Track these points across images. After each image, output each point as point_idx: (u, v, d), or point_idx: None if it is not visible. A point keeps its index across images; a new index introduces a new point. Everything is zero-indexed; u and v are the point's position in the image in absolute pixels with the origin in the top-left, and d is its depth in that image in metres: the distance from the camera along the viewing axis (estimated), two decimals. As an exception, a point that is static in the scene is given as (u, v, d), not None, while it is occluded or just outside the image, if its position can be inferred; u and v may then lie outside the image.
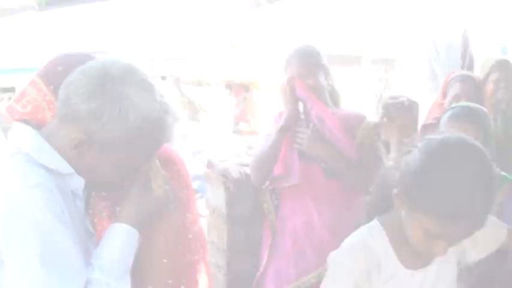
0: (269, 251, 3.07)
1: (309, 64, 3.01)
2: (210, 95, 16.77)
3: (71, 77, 1.51)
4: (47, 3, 2.31)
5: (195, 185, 5.31)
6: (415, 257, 1.87)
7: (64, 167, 1.48)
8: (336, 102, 3.16)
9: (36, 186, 1.37)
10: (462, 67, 4.82)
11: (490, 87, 3.94)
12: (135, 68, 1.58)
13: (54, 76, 1.66)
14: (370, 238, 1.89)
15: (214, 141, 9.24)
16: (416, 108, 3.34)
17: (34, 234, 1.31)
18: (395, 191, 1.76)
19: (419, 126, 3.44)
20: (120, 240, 1.52)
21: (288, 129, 2.97)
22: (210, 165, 3.41)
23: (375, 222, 1.94)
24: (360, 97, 11.37)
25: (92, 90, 1.46)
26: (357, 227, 1.99)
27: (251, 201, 3.23)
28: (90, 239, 1.58)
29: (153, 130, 1.52)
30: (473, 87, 3.74)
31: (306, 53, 3.06)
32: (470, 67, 4.82)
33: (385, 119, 3.19)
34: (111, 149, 1.49)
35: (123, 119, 1.46)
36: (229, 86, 14.79)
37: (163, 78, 17.83)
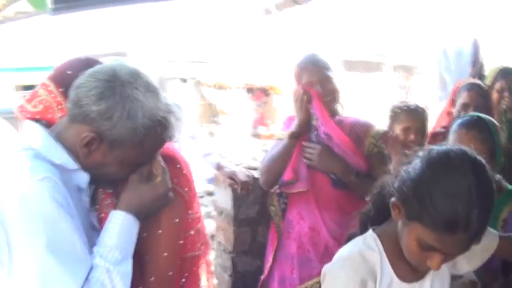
0: (274, 254, 3.09)
1: (323, 72, 3.04)
2: (231, 98, 16.93)
3: (81, 79, 1.58)
4: (54, 10, 2.37)
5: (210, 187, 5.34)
6: (410, 270, 1.84)
7: (70, 163, 1.56)
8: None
9: (43, 180, 1.43)
10: (472, 75, 4.81)
11: (495, 96, 3.94)
12: (141, 71, 1.65)
13: (64, 79, 1.73)
14: (366, 249, 1.86)
15: (231, 144, 9.26)
16: (424, 114, 3.36)
17: (41, 223, 1.38)
18: (393, 199, 1.74)
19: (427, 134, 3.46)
20: (117, 226, 1.57)
21: (298, 135, 3.00)
22: (218, 167, 3.45)
23: (371, 233, 1.91)
24: (381, 104, 11.35)
25: (102, 92, 1.53)
26: (350, 238, 1.97)
27: (258, 204, 3.26)
28: (94, 232, 1.64)
29: (159, 129, 1.61)
30: (481, 96, 3.73)
31: (318, 62, 3.08)
32: (481, 75, 4.80)
33: (392, 123, 3.23)
34: (120, 147, 1.56)
35: (132, 119, 1.54)
36: (249, 89, 14.88)
37: (183, 80, 17.98)
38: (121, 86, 1.56)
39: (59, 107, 1.70)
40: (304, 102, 2.94)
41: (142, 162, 1.64)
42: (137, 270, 1.62)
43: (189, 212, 1.83)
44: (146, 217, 1.67)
